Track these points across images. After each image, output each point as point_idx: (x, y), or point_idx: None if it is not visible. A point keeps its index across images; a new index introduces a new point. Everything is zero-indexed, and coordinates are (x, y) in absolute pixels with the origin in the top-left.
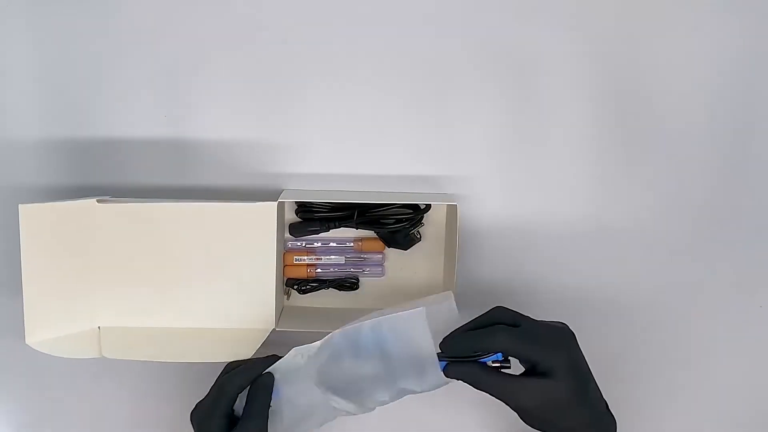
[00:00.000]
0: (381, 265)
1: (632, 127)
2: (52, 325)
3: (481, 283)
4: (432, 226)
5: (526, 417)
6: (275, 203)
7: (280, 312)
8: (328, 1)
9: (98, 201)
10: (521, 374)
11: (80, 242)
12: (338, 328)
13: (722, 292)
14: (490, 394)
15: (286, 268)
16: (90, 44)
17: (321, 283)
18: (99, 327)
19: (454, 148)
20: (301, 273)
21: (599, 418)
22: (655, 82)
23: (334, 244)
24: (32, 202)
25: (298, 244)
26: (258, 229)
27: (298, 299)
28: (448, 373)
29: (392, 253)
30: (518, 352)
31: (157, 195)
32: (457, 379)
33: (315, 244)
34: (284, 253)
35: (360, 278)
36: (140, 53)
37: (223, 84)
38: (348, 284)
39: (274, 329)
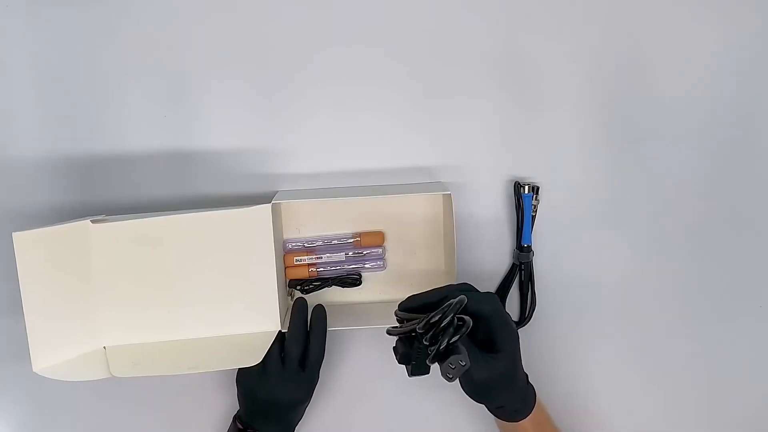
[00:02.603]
0: (381, 258)
1: (630, 125)
2: (58, 349)
3: (483, 270)
4: (431, 215)
5: (470, 388)
6: (269, 205)
7: (286, 312)
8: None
9: (92, 221)
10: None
11: (78, 264)
12: (345, 323)
13: (722, 292)
14: None
15: (287, 269)
16: (83, 64)
17: (324, 282)
18: (104, 347)
19: (448, 138)
20: (303, 273)
21: (526, 390)
22: (653, 82)
23: (336, 242)
24: (26, 221)
25: (298, 244)
26: (254, 232)
27: None
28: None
29: (392, 244)
30: (485, 313)
31: (153, 206)
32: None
33: (315, 243)
34: (284, 255)
35: (362, 273)
36: (134, 68)
37: (214, 92)
38: (350, 280)
39: (280, 330)
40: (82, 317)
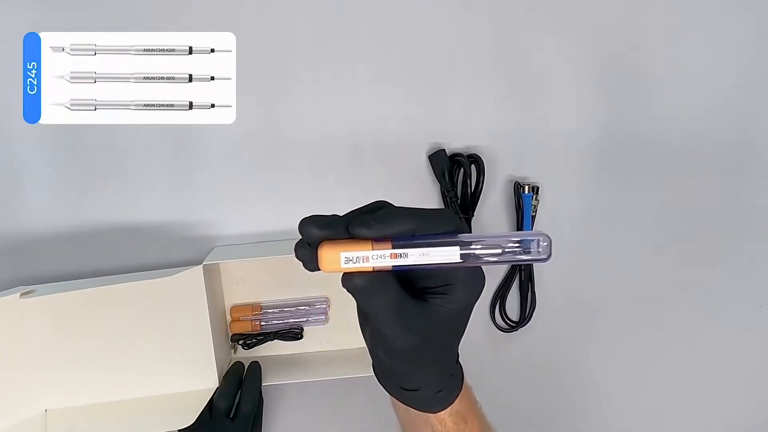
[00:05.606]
0: (324, 313)
1: (631, 125)
2: None
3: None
4: None
5: (390, 352)
6: (200, 267)
7: (227, 367)
8: None
9: (21, 296)
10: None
11: (11, 336)
12: (285, 377)
13: (722, 292)
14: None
15: (233, 323)
16: None
17: (266, 336)
18: (46, 410)
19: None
20: (247, 327)
21: (455, 367)
22: (655, 83)
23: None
24: None
25: (243, 302)
26: (188, 294)
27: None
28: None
29: (336, 298)
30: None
31: (88, 275)
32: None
33: (258, 299)
34: (232, 307)
35: (304, 327)
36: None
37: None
38: (292, 334)
39: (218, 388)
40: (22, 381)
